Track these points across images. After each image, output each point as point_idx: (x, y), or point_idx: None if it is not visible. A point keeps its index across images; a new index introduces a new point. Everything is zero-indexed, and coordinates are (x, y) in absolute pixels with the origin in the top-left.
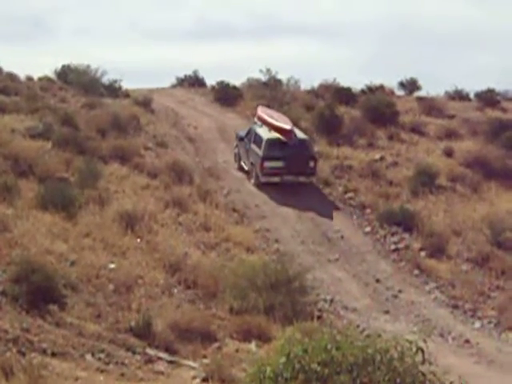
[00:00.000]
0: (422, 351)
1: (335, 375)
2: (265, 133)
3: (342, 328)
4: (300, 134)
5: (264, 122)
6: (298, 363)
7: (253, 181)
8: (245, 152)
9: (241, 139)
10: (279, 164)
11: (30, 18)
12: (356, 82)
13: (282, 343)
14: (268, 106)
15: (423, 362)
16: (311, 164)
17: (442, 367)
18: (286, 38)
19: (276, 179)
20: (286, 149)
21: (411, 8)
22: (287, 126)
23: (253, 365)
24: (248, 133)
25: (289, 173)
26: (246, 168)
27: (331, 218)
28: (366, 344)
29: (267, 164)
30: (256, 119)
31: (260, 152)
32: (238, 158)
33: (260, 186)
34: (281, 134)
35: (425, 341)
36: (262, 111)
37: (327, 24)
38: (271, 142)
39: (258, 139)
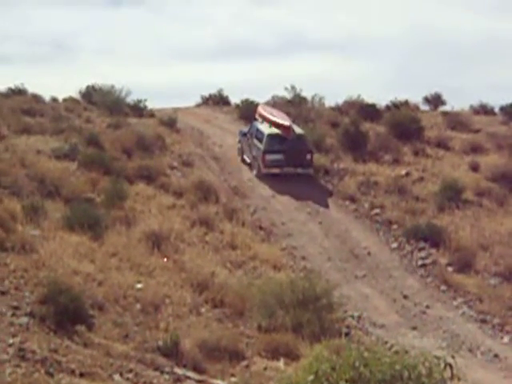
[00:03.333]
0: (451, 367)
1: None
2: (266, 128)
3: (370, 344)
4: (298, 130)
5: (264, 119)
6: (326, 381)
7: (255, 172)
8: (247, 146)
9: (244, 135)
10: (279, 157)
11: (52, 40)
12: (380, 97)
13: (310, 361)
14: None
15: (452, 378)
16: (308, 157)
17: (472, 383)
18: (310, 54)
19: (276, 170)
20: (285, 143)
21: (433, 21)
22: (286, 122)
23: (281, 383)
24: (250, 129)
25: (288, 165)
26: (248, 161)
27: (327, 206)
28: (393, 360)
29: (268, 157)
30: (257, 116)
31: (261, 146)
32: (240, 152)
33: (262, 177)
34: (280, 129)
35: (453, 356)
36: (262, 109)
37: (350, 40)
38: (272, 137)
39: (259, 134)
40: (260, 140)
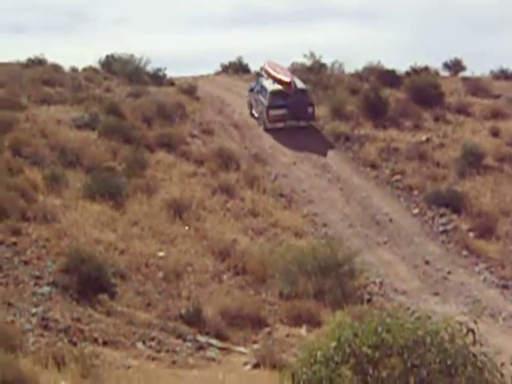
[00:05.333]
0: (473, 332)
1: (386, 358)
2: (269, 85)
3: (392, 311)
4: (300, 84)
5: (269, 75)
6: (348, 347)
7: (262, 126)
8: (254, 101)
9: (251, 90)
10: (282, 112)
11: (70, 10)
12: (400, 63)
13: (332, 327)
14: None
15: (474, 343)
16: (310, 110)
17: (493, 348)
18: (328, 21)
19: (280, 125)
20: (287, 98)
21: None
22: (287, 78)
23: (303, 349)
24: (256, 85)
25: (291, 118)
26: (256, 115)
27: (325, 154)
28: (416, 326)
29: (272, 112)
30: (263, 72)
31: (265, 102)
32: (249, 106)
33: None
34: (282, 85)
35: (475, 322)
36: (267, 64)
37: (367, 6)
38: (275, 93)
39: (263, 91)
40: (264, 96)
